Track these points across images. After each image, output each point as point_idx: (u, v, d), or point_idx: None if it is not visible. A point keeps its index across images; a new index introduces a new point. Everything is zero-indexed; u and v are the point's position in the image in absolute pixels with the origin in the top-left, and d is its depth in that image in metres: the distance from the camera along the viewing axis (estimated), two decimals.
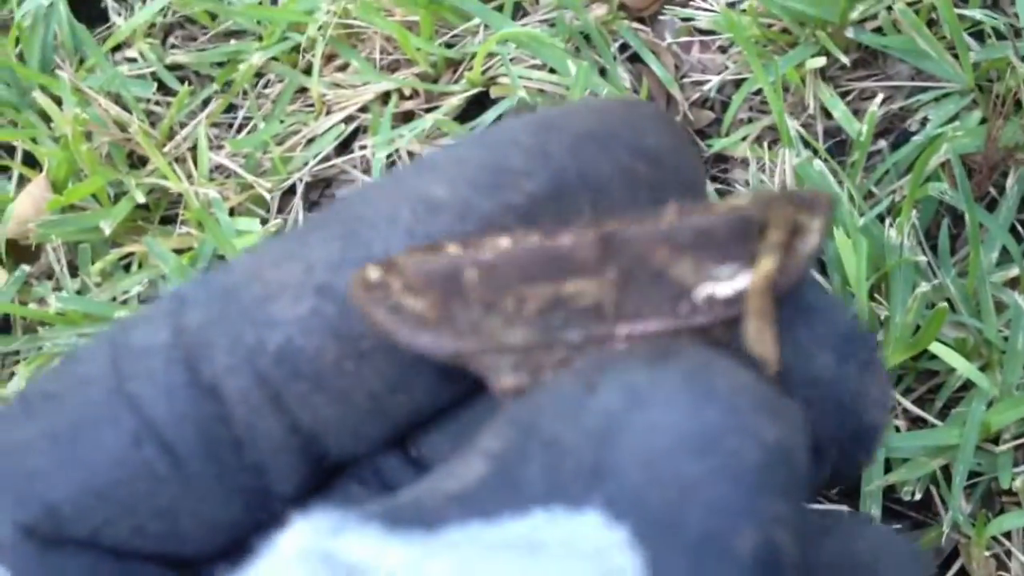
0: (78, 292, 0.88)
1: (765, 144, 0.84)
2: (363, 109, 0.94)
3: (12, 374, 0.87)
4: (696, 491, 0.15)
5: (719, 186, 0.83)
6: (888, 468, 0.71)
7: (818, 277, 0.77)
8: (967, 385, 0.73)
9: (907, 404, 0.72)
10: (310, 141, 0.94)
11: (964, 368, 0.70)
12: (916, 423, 0.73)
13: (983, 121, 0.80)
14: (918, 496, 0.71)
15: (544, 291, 0.19)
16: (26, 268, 0.89)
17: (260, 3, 0.99)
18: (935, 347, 0.70)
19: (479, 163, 0.21)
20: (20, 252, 0.91)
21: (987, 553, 0.69)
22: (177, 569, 0.23)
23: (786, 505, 0.16)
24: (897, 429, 0.72)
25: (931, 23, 0.85)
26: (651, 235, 0.18)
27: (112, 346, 0.22)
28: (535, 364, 0.19)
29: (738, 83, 0.89)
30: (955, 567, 0.70)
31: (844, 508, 0.71)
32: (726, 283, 0.18)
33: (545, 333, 0.19)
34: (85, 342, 0.79)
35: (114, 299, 0.87)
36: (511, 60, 0.90)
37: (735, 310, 0.18)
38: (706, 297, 0.18)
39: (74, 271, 0.91)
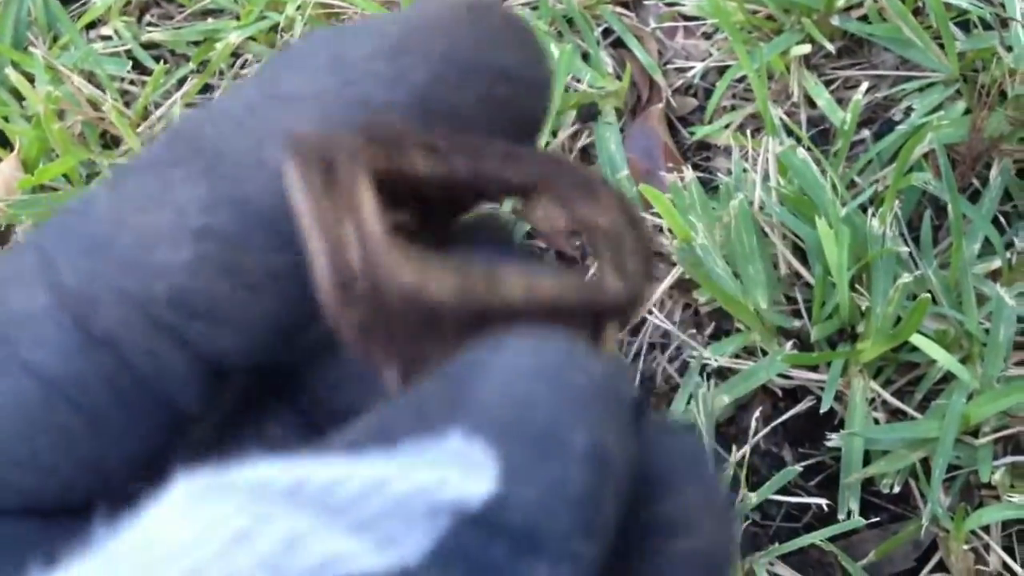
0: None
1: (748, 132, 0.83)
2: None
3: None
4: (538, 404, 0.18)
5: (701, 175, 0.82)
6: (867, 460, 0.71)
7: (800, 267, 0.76)
8: (947, 377, 0.72)
9: (887, 396, 0.72)
10: None
11: (945, 360, 0.69)
12: (896, 415, 0.73)
13: (967, 111, 0.80)
14: (897, 489, 0.70)
15: (475, 329, 0.20)
16: None
17: None
18: (916, 339, 0.69)
19: (341, 95, 0.21)
20: None
21: (966, 547, 0.68)
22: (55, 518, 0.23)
23: (614, 421, 0.19)
24: (876, 421, 0.71)
25: (917, 12, 0.84)
26: (569, 308, 0.21)
27: None
28: None
29: (721, 70, 0.88)
30: (933, 560, 0.70)
31: (823, 502, 0.71)
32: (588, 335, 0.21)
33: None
34: None
35: None
36: None
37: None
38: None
39: None
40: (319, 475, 0.18)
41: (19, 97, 0.93)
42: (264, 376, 0.25)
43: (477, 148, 0.21)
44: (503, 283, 0.20)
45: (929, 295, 0.66)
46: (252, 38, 0.95)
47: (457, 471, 0.17)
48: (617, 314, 0.22)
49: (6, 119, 0.92)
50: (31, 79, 0.91)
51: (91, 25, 1.00)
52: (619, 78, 0.87)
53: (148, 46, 0.98)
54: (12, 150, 0.91)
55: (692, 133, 0.86)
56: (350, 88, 0.21)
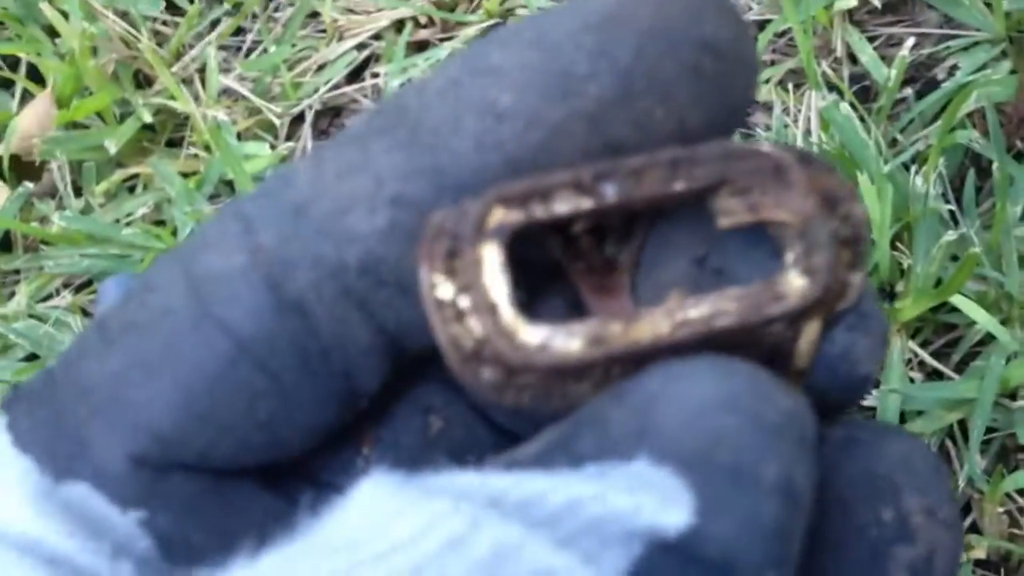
0: (81, 212, 0.87)
1: (790, 88, 0.82)
2: (376, 36, 0.91)
3: (13, 293, 0.85)
4: (726, 437, 0.18)
5: (743, 129, 0.81)
6: (902, 421, 0.70)
7: None
8: (986, 339, 0.71)
9: (924, 356, 0.71)
10: (321, 68, 0.91)
11: (985, 321, 0.69)
12: (932, 377, 0.72)
13: (1013, 71, 0.79)
14: (933, 450, 0.70)
15: (628, 369, 0.21)
16: (29, 185, 0.87)
17: None
18: (956, 299, 0.69)
19: (543, 68, 0.21)
20: (23, 169, 0.89)
21: (1000, 509, 0.68)
22: (272, 483, 0.24)
23: (801, 453, 0.19)
24: (912, 380, 0.71)
25: None
26: (731, 331, 0.21)
27: (185, 272, 0.23)
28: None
29: (761, 25, 0.87)
30: (967, 523, 0.70)
31: None
32: (781, 334, 0.21)
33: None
34: (149, 268, 0.78)
35: (118, 220, 0.85)
36: None
37: (779, 352, 0.22)
38: (766, 343, 0.21)
39: (78, 191, 0.89)
40: (518, 489, 0.18)
41: (52, 34, 0.93)
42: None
43: (639, 167, 0.21)
44: (643, 324, 0.20)
45: (976, 252, 0.65)
46: None
47: (651, 498, 0.18)
48: (809, 314, 0.21)
49: (39, 55, 0.91)
50: (65, 16, 0.90)
51: None
52: None
53: None
54: (45, 87, 0.90)
55: None
56: (553, 61, 0.21)
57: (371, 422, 0.25)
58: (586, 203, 0.21)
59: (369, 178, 0.22)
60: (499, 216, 0.21)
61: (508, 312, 0.20)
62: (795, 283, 0.21)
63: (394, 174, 0.22)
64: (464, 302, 0.21)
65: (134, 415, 0.22)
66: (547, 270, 0.24)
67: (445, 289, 0.21)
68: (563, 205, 0.21)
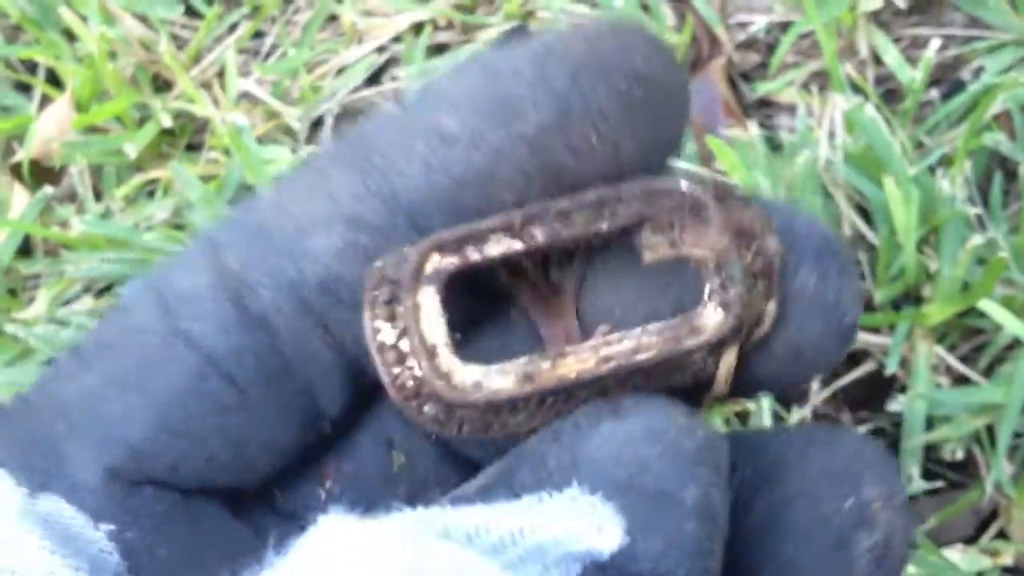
0: (101, 216, 0.86)
1: (813, 90, 0.81)
2: (396, 39, 0.91)
3: (33, 298, 0.85)
4: (650, 466, 0.20)
5: (766, 132, 0.81)
6: (929, 427, 0.70)
7: (865, 228, 0.75)
8: (1013, 344, 0.71)
9: (952, 361, 0.71)
10: (340, 71, 0.91)
11: (1013, 326, 0.68)
12: (959, 382, 0.71)
13: None
14: (960, 456, 0.69)
15: (559, 400, 0.23)
16: (49, 190, 0.87)
17: None
18: (984, 303, 0.68)
19: (487, 94, 0.23)
20: (43, 173, 0.89)
21: None
22: (238, 511, 0.25)
23: (717, 478, 0.21)
24: (939, 386, 0.70)
25: None
26: (651, 364, 0.23)
27: (156, 293, 0.24)
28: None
29: (784, 26, 0.86)
30: (994, 528, 0.69)
31: None
32: (701, 362, 0.24)
33: (552, 419, 0.23)
34: (109, 267, 0.76)
35: (137, 225, 0.85)
36: None
37: (701, 379, 0.24)
38: (689, 372, 0.24)
39: (98, 195, 0.89)
40: (465, 522, 0.20)
41: (71, 38, 0.92)
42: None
43: (563, 212, 0.23)
44: (569, 360, 0.22)
45: (1005, 256, 0.64)
46: None
47: (586, 524, 0.20)
48: (726, 344, 0.23)
49: (58, 59, 0.91)
50: (84, 20, 0.90)
51: None
52: (679, 31, 0.86)
53: None
54: (64, 91, 0.90)
55: (754, 89, 0.84)
56: (496, 87, 0.23)
57: (333, 453, 0.26)
58: (516, 245, 0.23)
59: (327, 199, 0.23)
60: (435, 262, 0.22)
61: (445, 354, 0.22)
62: (712, 317, 0.23)
63: (350, 196, 0.23)
64: (405, 345, 0.22)
65: (109, 428, 0.23)
66: (497, 294, 0.25)
67: (387, 334, 0.22)
68: (495, 248, 0.23)
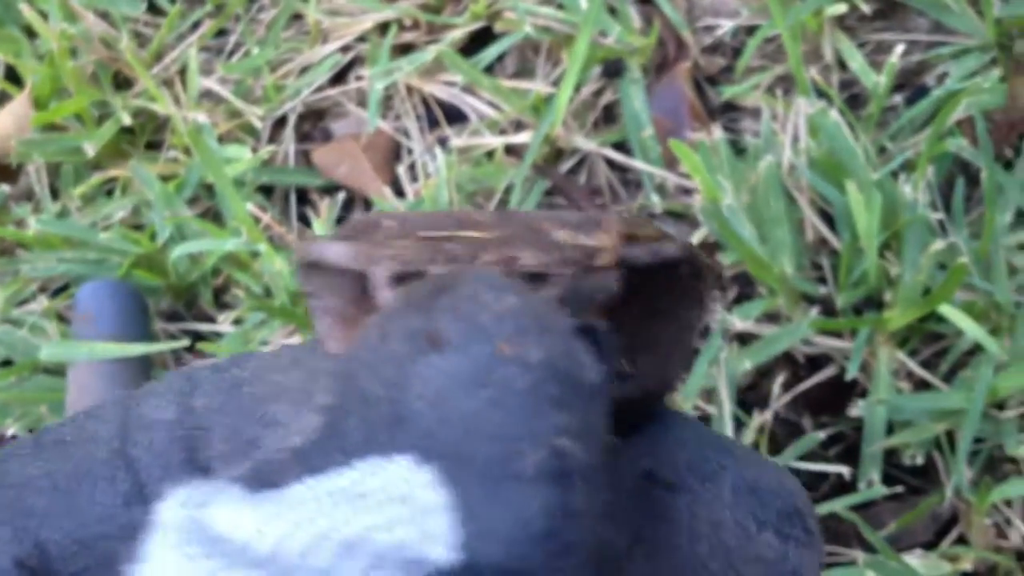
0: (58, 215, 0.85)
1: (778, 94, 0.81)
2: (361, 39, 0.90)
3: None
4: (477, 423, 0.17)
5: (730, 135, 0.80)
6: (890, 432, 0.69)
7: (828, 233, 0.75)
8: (974, 350, 0.71)
9: (912, 366, 0.70)
10: (304, 70, 0.90)
11: (973, 331, 0.68)
12: (920, 387, 0.71)
13: (1003, 79, 0.78)
14: (920, 461, 0.69)
15: (443, 232, 0.22)
16: (5, 189, 0.86)
17: None
18: (944, 309, 0.68)
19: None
20: (0, 172, 0.88)
21: (988, 521, 0.67)
22: None
23: (566, 415, 0.17)
24: (900, 391, 0.70)
25: None
26: (542, 216, 0.23)
27: (124, 411, 0.25)
28: (414, 278, 0.22)
29: (750, 30, 0.86)
30: (954, 534, 0.69)
31: (844, 469, 0.69)
32: (587, 239, 0.22)
33: (430, 250, 0.22)
34: (65, 267, 0.75)
35: (95, 224, 0.84)
36: None
37: (589, 260, 0.22)
38: (570, 244, 0.22)
39: (55, 194, 0.88)
40: (272, 530, 0.18)
41: (31, 35, 0.91)
42: None
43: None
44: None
45: (965, 262, 0.64)
46: None
47: (414, 528, 0.17)
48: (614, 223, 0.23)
49: (17, 56, 0.90)
50: (45, 16, 0.89)
51: None
52: (646, 35, 0.85)
53: None
54: (23, 88, 0.89)
55: (720, 93, 0.84)
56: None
57: None
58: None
59: (304, 372, 0.24)
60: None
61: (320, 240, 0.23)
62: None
63: (327, 374, 0.24)
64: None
65: (27, 523, 0.24)
66: None
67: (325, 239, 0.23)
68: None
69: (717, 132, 0.77)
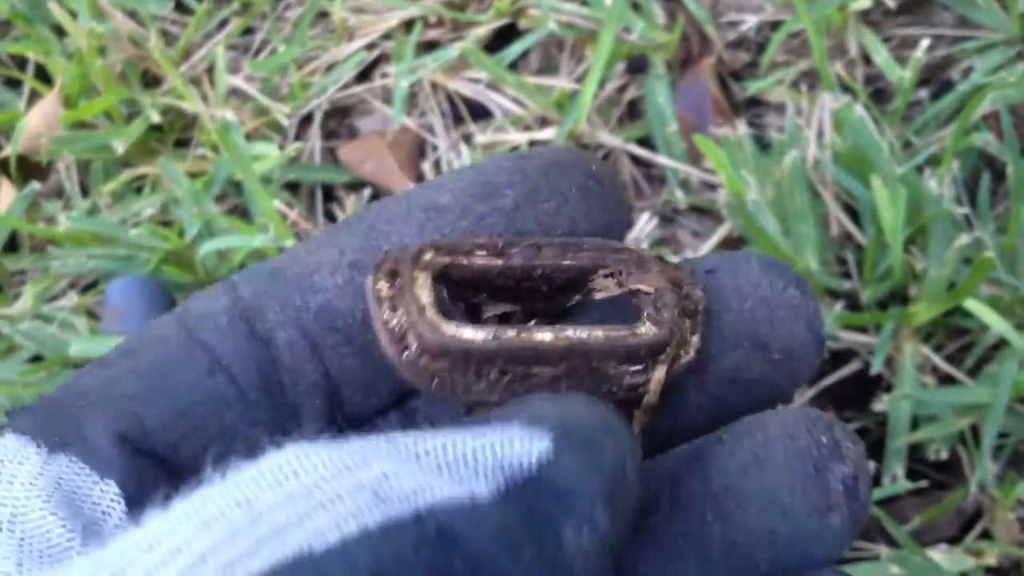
0: (88, 212, 0.86)
1: (802, 89, 0.81)
2: (386, 36, 0.91)
3: (18, 294, 0.85)
4: (583, 419, 0.24)
5: (755, 131, 0.80)
6: (914, 427, 0.69)
7: (852, 228, 0.75)
8: (999, 344, 0.70)
9: (937, 361, 0.70)
10: (330, 68, 0.91)
11: (999, 326, 0.68)
12: (944, 382, 0.71)
13: None
14: (944, 456, 0.69)
15: (518, 371, 0.27)
16: (36, 185, 0.87)
17: None
18: (970, 303, 0.68)
19: (474, 180, 0.29)
20: (30, 169, 0.89)
21: (1012, 516, 0.67)
22: None
23: (628, 456, 0.24)
24: (924, 386, 0.70)
25: None
26: (599, 347, 0.27)
27: (177, 317, 0.28)
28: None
29: (774, 26, 0.86)
30: (978, 529, 0.69)
31: (869, 463, 0.69)
32: (636, 376, 0.28)
33: (510, 395, 0.27)
34: (95, 264, 0.76)
35: (124, 221, 0.85)
36: None
37: (636, 393, 0.28)
38: (624, 382, 0.28)
39: (85, 191, 0.89)
40: (402, 439, 0.22)
41: (60, 33, 0.92)
42: None
43: (539, 243, 0.28)
44: (534, 333, 0.26)
45: (991, 256, 0.64)
46: None
47: (519, 441, 0.22)
48: (657, 356, 0.27)
49: (47, 54, 0.91)
50: (74, 15, 0.90)
51: None
52: (670, 31, 0.86)
53: None
54: (53, 86, 0.90)
55: (744, 88, 0.84)
56: (481, 176, 0.29)
57: None
58: (497, 262, 0.28)
59: (335, 251, 0.28)
60: (430, 255, 0.27)
61: (431, 311, 0.26)
62: (647, 329, 0.27)
63: (354, 248, 0.28)
64: (399, 299, 0.26)
65: (122, 403, 0.27)
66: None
67: (385, 291, 0.27)
68: (479, 260, 0.27)
69: (741, 127, 0.77)
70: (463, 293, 0.28)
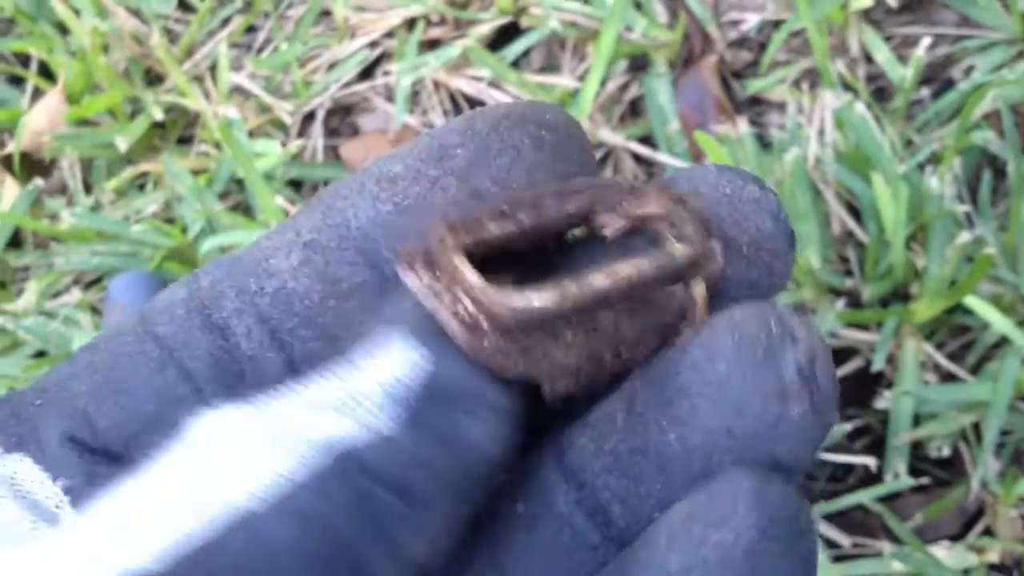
0: (91, 209, 0.86)
1: (804, 88, 0.81)
2: (388, 34, 0.91)
3: (22, 290, 0.85)
4: None
5: (756, 129, 0.81)
6: (916, 425, 0.70)
7: (854, 226, 0.75)
8: (1000, 342, 0.71)
9: (938, 358, 0.71)
10: (332, 66, 0.91)
11: (999, 323, 0.68)
12: (946, 379, 0.71)
13: None
14: (946, 453, 0.69)
15: (587, 324, 0.26)
16: (39, 182, 0.87)
17: None
18: (971, 301, 0.68)
19: (426, 145, 0.28)
20: (34, 166, 0.89)
21: (1014, 512, 0.67)
22: None
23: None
24: (926, 383, 0.70)
25: None
26: (652, 276, 0.26)
27: (141, 312, 0.28)
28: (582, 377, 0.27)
29: (776, 25, 0.86)
30: (980, 526, 0.69)
31: (871, 460, 0.70)
32: (682, 298, 0.27)
33: (584, 356, 0.26)
34: (98, 260, 0.76)
35: (127, 218, 0.85)
36: None
37: (683, 316, 0.27)
38: (674, 305, 0.27)
39: (88, 188, 0.89)
40: (296, 386, 0.23)
41: (64, 31, 0.92)
42: None
43: (536, 197, 0.27)
44: (589, 279, 0.25)
45: (992, 253, 0.64)
46: None
47: (399, 359, 0.23)
48: (694, 272, 0.27)
49: (50, 52, 0.91)
50: (77, 13, 0.90)
51: None
52: (672, 29, 0.86)
53: None
54: (56, 84, 0.90)
55: (745, 87, 0.84)
56: (432, 140, 0.28)
57: None
58: (512, 227, 0.27)
59: (291, 233, 0.28)
60: (454, 238, 0.26)
61: (491, 289, 0.25)
62: (676, 248, 0.27)
63: (309, 228, 0.28)
64: (455, 291, 0.25)
65: (74, 403, 0.27)
66: None
67: (435, 286, 0.26)
68: (497, 229, 0.27)
69: (743, 126, 0.77)
70: (482, 266, 0.27)
